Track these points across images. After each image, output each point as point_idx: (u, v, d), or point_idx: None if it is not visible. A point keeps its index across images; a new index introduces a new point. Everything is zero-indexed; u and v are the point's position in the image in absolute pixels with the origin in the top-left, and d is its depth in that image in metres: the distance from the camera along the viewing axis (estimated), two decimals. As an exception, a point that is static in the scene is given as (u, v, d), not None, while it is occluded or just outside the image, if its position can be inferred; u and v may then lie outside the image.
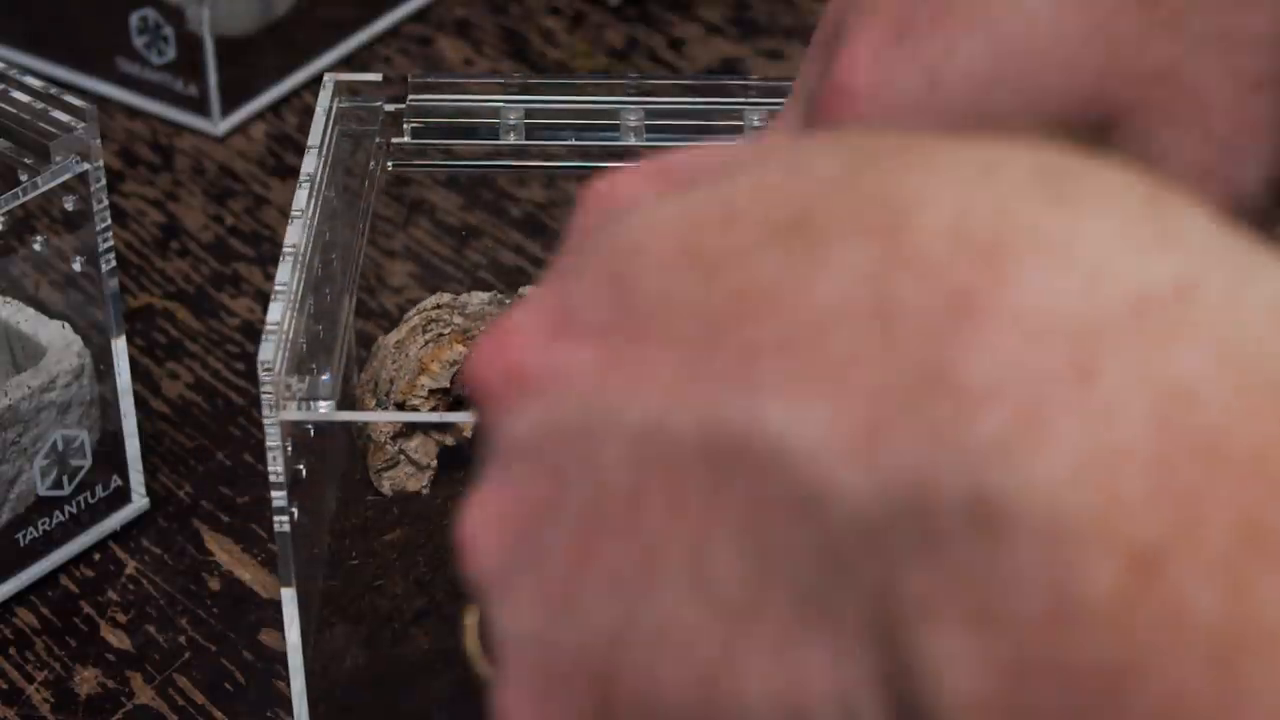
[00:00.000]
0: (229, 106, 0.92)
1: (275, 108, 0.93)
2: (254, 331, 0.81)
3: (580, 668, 0.32)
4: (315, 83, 0.94)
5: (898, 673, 0.29)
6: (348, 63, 0.95)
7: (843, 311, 0.29)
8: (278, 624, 0.69)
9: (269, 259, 0.85)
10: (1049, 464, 0.27)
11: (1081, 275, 0.28)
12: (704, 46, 0.96)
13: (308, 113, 0.93)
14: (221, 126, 0.92)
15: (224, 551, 0.72)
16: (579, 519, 0.32)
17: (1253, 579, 0.26)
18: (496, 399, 0.33)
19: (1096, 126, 0.45)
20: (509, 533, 0.33)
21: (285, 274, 0.57)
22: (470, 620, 0.57)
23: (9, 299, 0.71)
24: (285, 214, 0.87)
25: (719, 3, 0.98)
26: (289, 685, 0.67)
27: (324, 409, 0.56)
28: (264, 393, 0.55)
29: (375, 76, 0.65)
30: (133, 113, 0.93)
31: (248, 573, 0.71)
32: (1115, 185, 0.30)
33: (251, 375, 0.79)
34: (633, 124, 0.65)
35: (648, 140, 0.64)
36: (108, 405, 0.71)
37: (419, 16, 0.98)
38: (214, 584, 0.71)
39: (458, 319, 0.64)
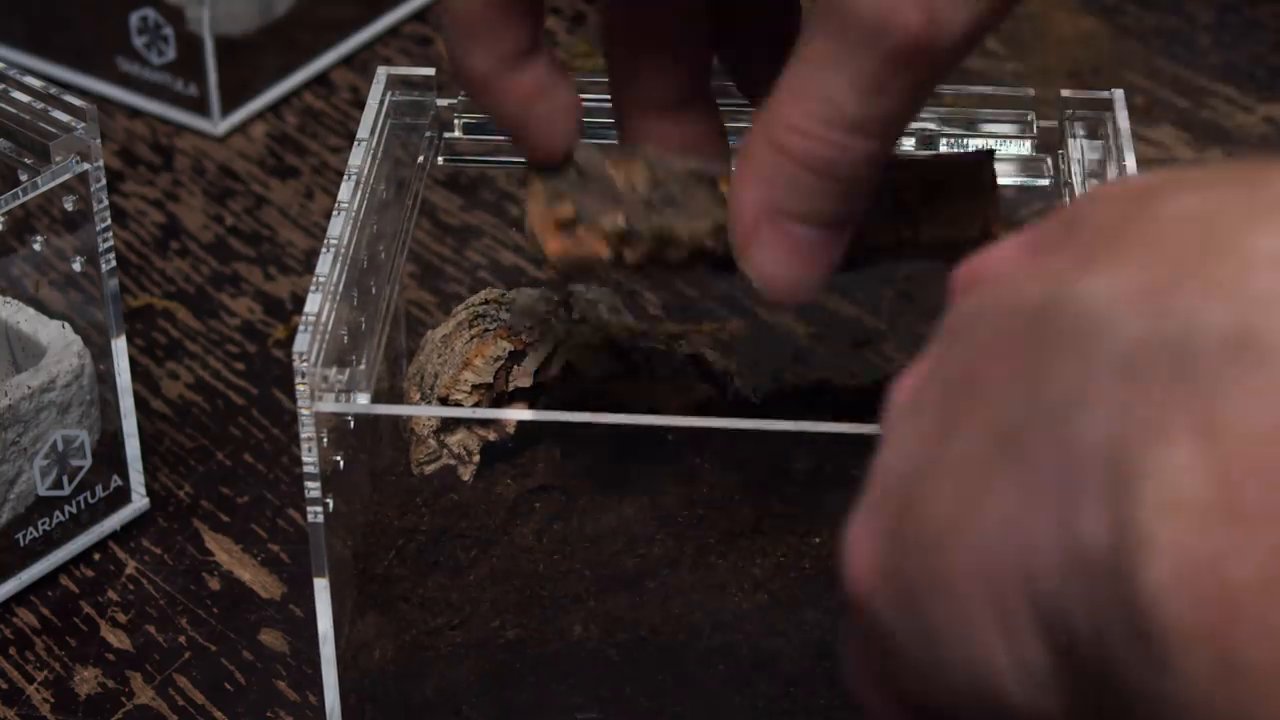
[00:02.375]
0: (229, 106, 0.92)
1: (275, 108, 0.93)
2: (254, 331, 0.81)
3: (896, 491, 0.38)
4: (315, 83, 0.95)
5: (1111, 498, 0.32)
6: (348, 63, 0.96)
7: (1186, 220, 0.35)
8: (278, 624, 0.69)
9: (269, 259, 0.85)
10: None
11: None
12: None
13: (308, 113, 0.93)
14: (221, 126, 0.92)
15: (224, 551, 0.72)
16: (950, 375, 0.38)
17: None
18: (958, 297, 0.40)
19: None
20: (909, 391, 0.39)
21: (325, 266, 0.57)
22: (535, 189, 0.56)
23: (9, 299, 0.71)
24: (285, 214, 0.88)
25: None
26: (290, 685, 0.67)
27: (360, 401, 0.56)
28: (299, 384, 0.55)
29: (428, 70, 0.65)
30: (133, 113, 0.93)
31: (248, 573, 0.71)
32: None
33: (251, 375, 0.79)
34: None
35: None
36: (108, 405, 0.71)
37: (419, 16, 0.98)
38: (214, 584, 0.71)
39: (505, 314, 0.65)
